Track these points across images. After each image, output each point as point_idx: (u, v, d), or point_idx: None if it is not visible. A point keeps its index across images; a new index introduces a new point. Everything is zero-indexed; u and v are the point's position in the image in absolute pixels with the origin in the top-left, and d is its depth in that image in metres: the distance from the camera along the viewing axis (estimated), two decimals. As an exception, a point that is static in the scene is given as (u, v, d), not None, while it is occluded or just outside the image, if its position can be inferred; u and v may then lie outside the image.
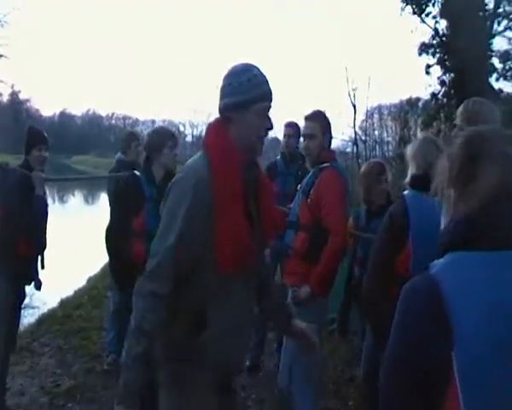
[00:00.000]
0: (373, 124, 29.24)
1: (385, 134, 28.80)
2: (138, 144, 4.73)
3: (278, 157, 4.84)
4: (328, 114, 3.37)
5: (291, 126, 4.73)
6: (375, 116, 30.32)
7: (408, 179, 2.60)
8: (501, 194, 1.06)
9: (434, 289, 0.99)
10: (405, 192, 2.57)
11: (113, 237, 3.41)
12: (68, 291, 7.28)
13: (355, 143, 9.45)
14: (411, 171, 2.61)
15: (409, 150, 2.65)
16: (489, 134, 1.15)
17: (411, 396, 1.01)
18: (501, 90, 7.35)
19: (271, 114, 1.90)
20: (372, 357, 3.06)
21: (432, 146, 2.54)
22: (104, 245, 3.48)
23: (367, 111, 10.46)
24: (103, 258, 5.39)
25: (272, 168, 4.68)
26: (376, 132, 29.21)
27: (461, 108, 2.82)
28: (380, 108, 28.82)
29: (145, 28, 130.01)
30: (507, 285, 0.98)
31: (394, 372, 1.05)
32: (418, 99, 8.48)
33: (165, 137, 3.39)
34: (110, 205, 4.34)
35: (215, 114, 1.96)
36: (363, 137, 10.32)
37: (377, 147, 16.16)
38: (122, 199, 3.46)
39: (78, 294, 7.28)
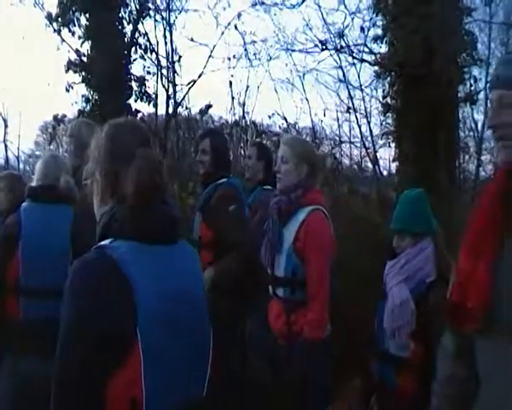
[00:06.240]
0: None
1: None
2: None
3: None
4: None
5: None
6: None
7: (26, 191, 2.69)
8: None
9: (121, 272, 1.15)
10: (23, 204, 2.64)
11: None
12: None
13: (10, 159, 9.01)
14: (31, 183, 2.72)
15: None
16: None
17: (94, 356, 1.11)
18: (138, 111, 8.06)
19: None
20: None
21: (50, 161, 2.73)
22: None
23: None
24: None
25: None
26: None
27: (68, 128, 3.16)
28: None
29: None
30: (169, 275, 1.24)
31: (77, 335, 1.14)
32: (65, 115, 8.55)
33: None
34: None
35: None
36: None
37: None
38: None
39: None
